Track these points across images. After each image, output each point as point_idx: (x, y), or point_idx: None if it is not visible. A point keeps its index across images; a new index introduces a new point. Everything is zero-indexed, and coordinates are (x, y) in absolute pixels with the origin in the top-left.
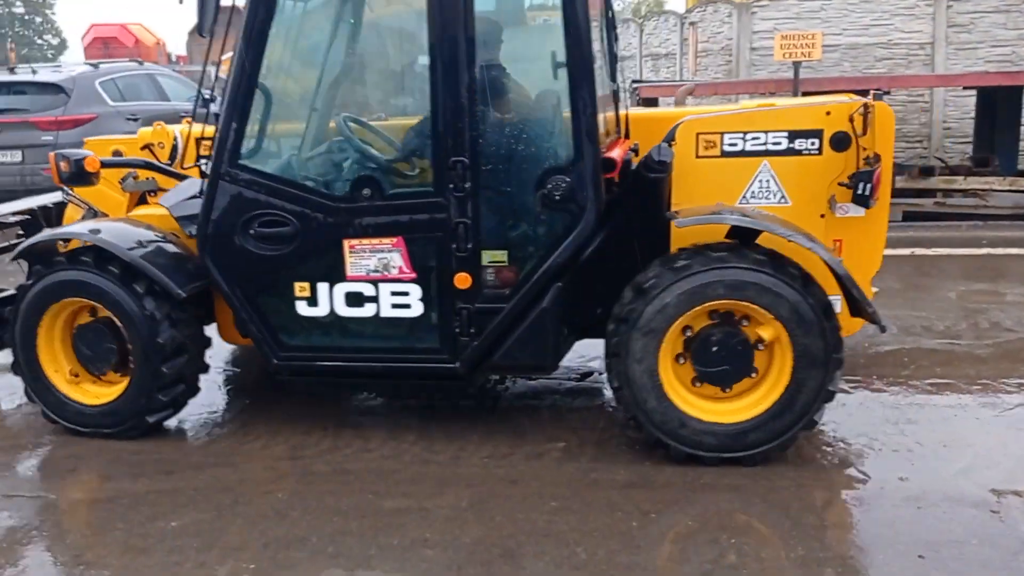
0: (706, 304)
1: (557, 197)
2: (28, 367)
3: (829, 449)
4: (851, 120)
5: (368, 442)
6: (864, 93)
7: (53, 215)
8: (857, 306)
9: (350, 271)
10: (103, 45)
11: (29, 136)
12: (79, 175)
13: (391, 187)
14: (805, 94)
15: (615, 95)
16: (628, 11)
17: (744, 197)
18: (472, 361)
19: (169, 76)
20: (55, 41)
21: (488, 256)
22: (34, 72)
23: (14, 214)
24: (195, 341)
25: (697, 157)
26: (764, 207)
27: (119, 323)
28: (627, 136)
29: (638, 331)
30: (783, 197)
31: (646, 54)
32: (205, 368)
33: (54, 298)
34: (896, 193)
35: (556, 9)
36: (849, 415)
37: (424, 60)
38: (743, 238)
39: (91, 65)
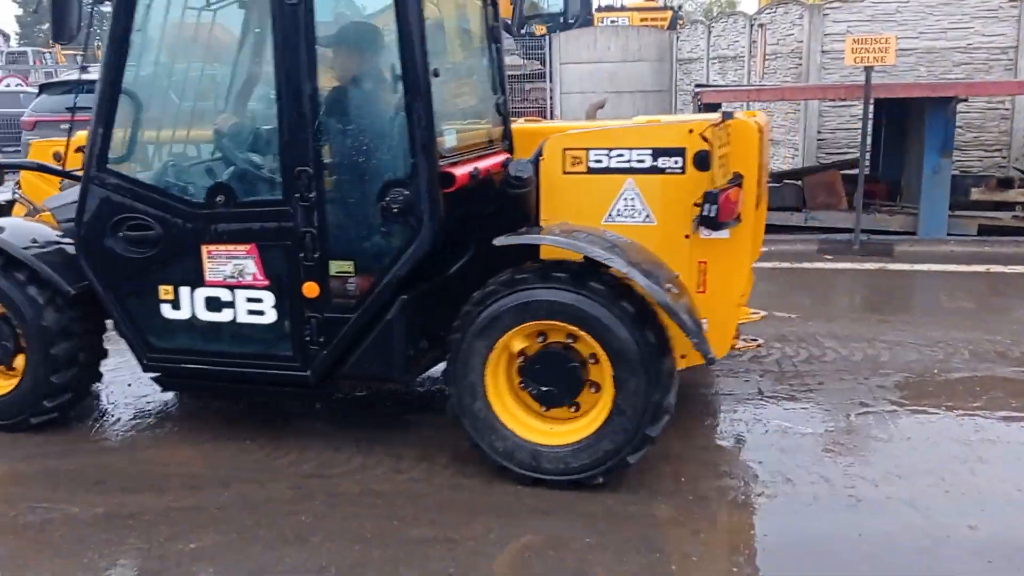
0: (533, 322)
1: (395, 210)
2: None
3: (891, 488)
4: (704, 138)
5: (400, 461)
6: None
7: (5, 212)
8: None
9: (208, 276)
10: None
11: None
12: None
13: (244, 195)
14: (877, 101)
15: (498, 107)
16: (699, 12)
17: (610, 215)
18: (323, 370)
19: None
20: None
21: (335, 266)
22: None
23: None
24: (90, 352)
25: (564, 173)
26: (630, 226)
27: (16, 325)
28: (511, 149)
29: (470, 336)
30: (648, 216)
31: (713, 56)
32: (98, 378)
33: None
34: (972, 206)
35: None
36: (914, 450)
37: (271, 70)
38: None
39: None
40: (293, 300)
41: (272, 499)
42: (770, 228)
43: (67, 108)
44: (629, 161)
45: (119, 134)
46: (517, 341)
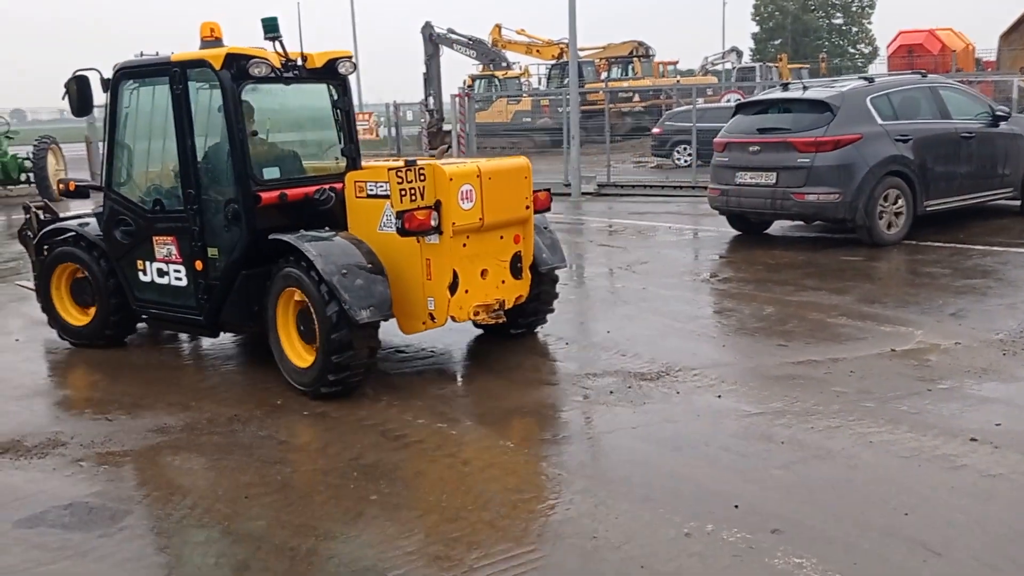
0: (286, 289)
1: (230, 216)
2: None
3: None
4: (391, 178)
5: None
6: None
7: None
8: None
9: (157, 255)
10: (907, 53)
11: (785, 158)
12: None
13: (168, 206)
14: None
15: (342, 151)
16: None
17: (381, 226)
18: (210, 317)
19: (955, 90)
20: (867, 50)
21: (211, 251)
22: (804, 88)
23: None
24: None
25: (356, 197)
26: (390, 233)
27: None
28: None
29: (268, 301)
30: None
31: None
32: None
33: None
34: None
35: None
36: None
37: (174, 133)
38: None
39: (865, 80)
40: (193, 272)
41: None
42: None
43: (758, 129)
44: (386, 191)
45: (119, 169)
46: (292, 302)
